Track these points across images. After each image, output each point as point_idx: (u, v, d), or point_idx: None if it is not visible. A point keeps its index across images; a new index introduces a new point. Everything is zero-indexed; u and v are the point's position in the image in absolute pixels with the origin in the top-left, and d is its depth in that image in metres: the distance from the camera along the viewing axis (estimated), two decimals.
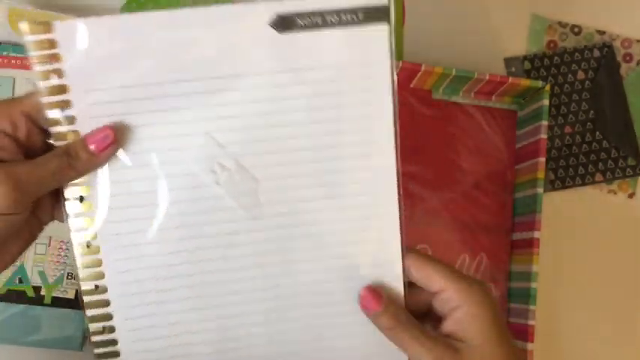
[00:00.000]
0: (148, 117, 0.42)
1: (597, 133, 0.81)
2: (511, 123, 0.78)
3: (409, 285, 0.47)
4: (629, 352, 0.79)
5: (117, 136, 0.42)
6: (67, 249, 0.69)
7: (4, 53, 0.70)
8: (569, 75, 0.82)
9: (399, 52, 0.80)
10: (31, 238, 0.45)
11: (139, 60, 0.42)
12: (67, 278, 0.69)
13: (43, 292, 0.68)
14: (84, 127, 0.42)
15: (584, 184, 0.81)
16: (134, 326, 0.46)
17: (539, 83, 0.73)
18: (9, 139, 0.40)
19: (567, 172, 0.80)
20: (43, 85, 0.42)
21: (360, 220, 0.46)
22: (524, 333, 0.70)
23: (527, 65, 0.82)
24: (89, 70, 0.42)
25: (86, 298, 0.45)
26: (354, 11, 0.42)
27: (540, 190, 0.71)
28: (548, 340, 0.77)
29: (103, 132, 0.41)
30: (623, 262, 0.80)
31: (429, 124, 0.76)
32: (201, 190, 0.44)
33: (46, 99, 0.42)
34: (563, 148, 0.81)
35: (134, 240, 0.44)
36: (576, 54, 0.82)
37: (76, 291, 0.68)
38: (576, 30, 0.83)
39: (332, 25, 0.42)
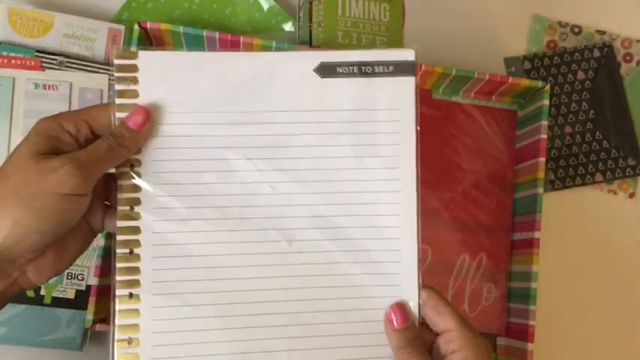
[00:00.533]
0: (204, 140, 0.48)
1: (597, 133, 0.81)
2: (511, 123, 0.78)
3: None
4: (629, 352, 0.79)
5: (151, 113, 0.47)
6: None
7: (4, 53, 0.70)
8: (569, 75, 0.82)
9: None
10: (86, 243, 0.49)
11: (200, 91, 0.48)
12: (67, 278, 0.68)
13: (43, 292, 0.68)
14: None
15: (584, 184, 0.81)
16: (159, 342, 0.47)
17: (539, 83, 0.73)
18: (71, 138, 0.46)
19: (567, 172, 0.80)
20: (118, 101, 0.47)
21: (384, 252, 0.49)
22: (524, 333, 0.70)
23: (527, 65, 0.82)
24: (160, 94, 0.48)
25: (120, 307, 0.47)
26: (386, 64, 0.49)
27: (540, 190, 0.71)
28: (548, 340, 0.77)
29: (138, 111, 0.47)
30: (623, 262, 0.80)
31: (429, 124, 0.76)
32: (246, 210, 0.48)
33: (118, 114, 0.47)
34: (563, 148, 0.81)
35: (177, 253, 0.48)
36: (576, 54, 0.82)
37: (76, 291, 0.68)
38: (576, 30, 0.83)
39: (366, 74, 0.49)
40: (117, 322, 0.47)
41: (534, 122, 0.74)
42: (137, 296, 0.47)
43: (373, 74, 0.49)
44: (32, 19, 0.71)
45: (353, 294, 0.49)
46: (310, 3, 0.78)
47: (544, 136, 0.72)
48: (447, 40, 0.81)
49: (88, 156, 0.44)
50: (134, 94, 0.48)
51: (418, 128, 0.49)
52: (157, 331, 0.47)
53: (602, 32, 0.83)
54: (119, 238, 0.47)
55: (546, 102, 0.73)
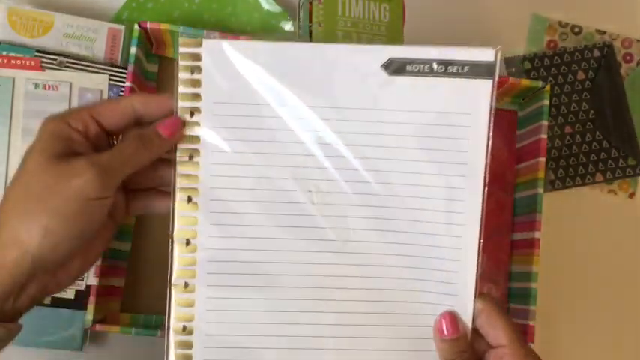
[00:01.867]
0: (259, 133, 0.47)
1: (597, 133, 0.81)
2: (511, 123, 0.78)
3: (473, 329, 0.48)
4: (629, 353, 0.79)
5: (183, 125, 0.47)
6: None
7: (4, 53, 0.70)
8: (569, 75, 0.82)
9: None
10: (110, 237, 0.49)
11: (260, 80, 0.46)
12: None
13: None
14: (205, 134, 0.47)
15: (584, 184, 0.81)
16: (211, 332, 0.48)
17: (539, 83, 0.73)
18: (81, 136, 0.45)
19: (567, 172, 0.80)
20: (181, 90, 0.47)
21: (442, 261, 0.47)
22: (524, 333, 0.70)
23: (527, 65, 0.82)
24: (221, 85, 0.47)
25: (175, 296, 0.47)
26: (461, 64, 0.46)
27: (540, 190, 0.71)
28: (548, 340, 0.77)
29: (173, 122, 0.46)
30: (623, 262, 0.80)
31: None
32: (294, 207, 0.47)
33: (181, 103, 0.47)
34: (563, 148, 0.81)
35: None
36: (576, 54, 0.82)
37: (76, 291, 0.68)
38: (576, 30, 0.83)
39: (438, 74, 0.45)
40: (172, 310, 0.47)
41: (534, 122, 0.74)
42: (193, 285, 0.47)
43: (446, 74, 0.46)
44: (32, 19, 0.71)
45: (406, 298, 0.48)
46: (310, 3, 0.78)
47: (544, 136, 0.72)
48: (447, 40, 0.80)
49: (112, 159, 0.44)
50: (197, 83, 0.47)
51: (491, 134, 0.47)
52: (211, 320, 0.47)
53: (602, 32, 0.83)
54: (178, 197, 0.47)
55: (546, 102, 0.73)
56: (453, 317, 0.46)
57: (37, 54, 0.71)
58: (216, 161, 0.47)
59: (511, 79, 0.73)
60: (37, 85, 0.71)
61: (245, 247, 0.47)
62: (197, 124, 0.47)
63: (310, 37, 0.77)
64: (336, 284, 0.47)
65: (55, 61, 0.71)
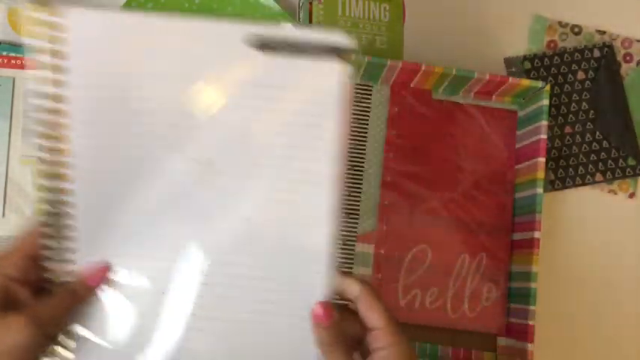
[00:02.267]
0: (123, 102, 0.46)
1: (597, 133, 0.81)
2: (511, 123, 0.78)
3: (352, 312, 0.49)
4: (629, 352, 0.79)
5: (109, 270, 0.48)
6: None
7: (4, 53, 0.70)
8: (570, 75, 0.82)
9: (398, 52, 0.80)
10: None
11: (127, 55, 0.45)
12: None
13: None
14: (74, 108, 0.45)
15: (584, 184, 0.81)
16: None
17: (539, 83, 0.73)
18: (19, 284, 0.45)
19: (567, 172, 0.80)
20: (41, 60, 0.44)
21: (299, 227, 0.49)
22: (524, 333, 0.70)
23: (527, 65, 0.82)
24: (91, 55, 0.45)
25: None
26: (320, 45, 0.45)
27: (540, 190, 0.71)
28: (548, 340, 0.77)
29: (99, 270, 0.48)
30: (623, 262, 0.80)
31: (429, 124, 0.76)
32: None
33: (41, 73, 0.44)
34: (563, 148, 0.81)
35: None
36: (576, 54, 0.82)
37: None
38: (576, 30, 0.83)
39: (299, 52, 0.45)
40: None
41: (534, 122, 0.74)
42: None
43: (305, 52, 0.46)
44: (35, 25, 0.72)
45: (274, 287, 0.49)
46: (310, 3, 0.78)
47: (544, 136, 0.72)
48: (447, 40, 0.81)
49: (49, 314, 0.45)
50: (62, 54, 0.44)
51: (350, 118, 0.49)
52: None
53: (602, 32, 0.83)
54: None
55: (546, 102, 0.73)
56: (326, 307, 0.48)
57: None
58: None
59: (511, 79, 0.73)
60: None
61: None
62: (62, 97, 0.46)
63: None
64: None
65: None
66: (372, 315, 0.48)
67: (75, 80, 0.45)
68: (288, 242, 0.48)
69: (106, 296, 0.48)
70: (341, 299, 0.50)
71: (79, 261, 0.47)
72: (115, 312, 0.48)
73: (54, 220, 0.46)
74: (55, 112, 0.45)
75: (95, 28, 0.45)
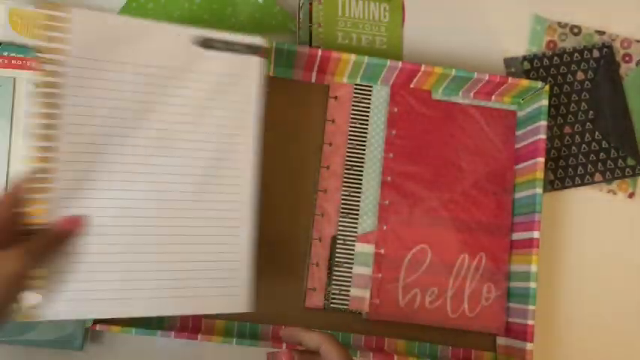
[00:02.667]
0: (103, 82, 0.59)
1: (597, 133, 0.81)
2: (511, 123, 0.78)
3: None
4: (629, 352, 0.79)
5: (82, 219, 0.58)
6: None
7: (5, 53, 0.70)
8: (569, 75, 0.82)
9: (398, 52, 0.80)
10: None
11: (114, 45, 0.59)
12: None
13: None
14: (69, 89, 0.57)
15: (583, 184, 0.81)
16: None
17: (539, 84, 0.73)
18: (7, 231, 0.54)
19: (567, 173, 0.81)
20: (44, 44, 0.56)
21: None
22: (523, 333, 0.70)
23: (526, 65, 0.82)
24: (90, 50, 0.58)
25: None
26: (242, 45, 0.63)
27: (539, 190, 0.72)
28: (547, 340, 0.77)
29: (75, 219, 0.58)
30: (623, 262, 0.80)
31: (429, 124, 0.77)
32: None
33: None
34: (562, 148, 0.81)
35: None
36: (576, 54, 0.82)
37: None
38: (576, 30, 0.83)
39: (228, 49, 0.63)
40: None
41: (534, 122, 0.74)
42: None
43: (232, 50, 0.63)
44: (33, 20, 0.72)
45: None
46: (310, 3, 0.78)
47: (543, 136, 0.72)
48: (447, 40, 0.81)
49: (35, 248, 0.54)
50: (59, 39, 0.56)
51: (262, 102, 0.64)
52: None
53: (601, 33, 0.84)
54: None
55: (545, 102, 0.73)
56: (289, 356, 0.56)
57: (37, 54, 0.71)
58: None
59: (510, 80, 0.73)
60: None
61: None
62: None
63: (310, 38, 0.77)
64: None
65: None
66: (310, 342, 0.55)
67: (70, 61, 0.57)
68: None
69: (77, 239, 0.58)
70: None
71: (58, 210, 0.57)
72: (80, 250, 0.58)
73: (40, 175, 0.55)
74: (52, 85, 0.56)
75: (91, 26, 0.58)
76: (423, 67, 0.72)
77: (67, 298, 0.57)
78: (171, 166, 0.61)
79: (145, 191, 0.60)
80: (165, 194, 0.61)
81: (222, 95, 0.63)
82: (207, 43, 0.62)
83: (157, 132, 0.60)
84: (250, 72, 0.64)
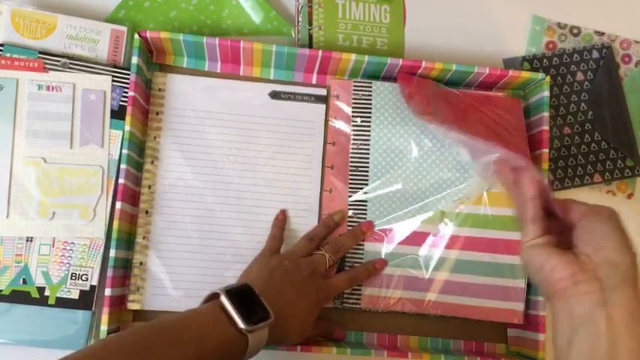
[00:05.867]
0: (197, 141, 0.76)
1: (596, 134, 0.82)
2: (517, 111, 0.77)
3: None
4: None
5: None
6: (71, 249, 0.69)
7: (8, 54, 0.70)
8: (568, 76, 0.82)
9: (400, 53, 0.80)
10: None
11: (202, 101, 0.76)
12: (71, 279, 0.68)
13: (47, 293, 0.68)
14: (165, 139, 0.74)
15: (582, 184, 0.81)
16: None
17: (539, 75, 0.73)
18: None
19: (566, 173, 0.81)
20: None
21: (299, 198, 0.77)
22: (535, 324, 0.71)
23: (526, 66, 0.82)
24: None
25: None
26: (309, 95, 0.77)
27: (546, 181, 0.71)
28: None
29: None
30: None
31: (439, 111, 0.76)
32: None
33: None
34: (561, 148, 0.81)
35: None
36: (575, 55, 0.83)
37: (80, 291, 0.68)
38: (575, 31, 0.84)
39: (298, 100, 0.77)
40: None
41: (536, 114, 0.75)
42: None
43: (302, 100, 0.77)
44: (35, 21, 0.72)
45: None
46: (310, 6, 0.78)
47: (546, 127, 0.73)
48: (447, 41, 0.82)
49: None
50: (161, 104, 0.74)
51: (327, 137, 0.77)
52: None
53: (600, 33, 0.84)
54: None
55: (547, 93, 0.73)
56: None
57: (40, 55, 0.71)
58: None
59: (511, 72, 0.73)
60: (40, 87, 0.71)
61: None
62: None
63: (310, 40, 0.78)
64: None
65: (58, 63, 0.71)
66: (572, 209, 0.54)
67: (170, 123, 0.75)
68: None
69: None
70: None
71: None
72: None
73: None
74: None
75: (184, 86, 0.75)
76: (423, 64, 0.72)
77: None
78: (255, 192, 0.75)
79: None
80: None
81: (294, 135, 0.76)
82: (279, 95, 0.77)
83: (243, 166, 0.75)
84: (317, 116, 0.77)
